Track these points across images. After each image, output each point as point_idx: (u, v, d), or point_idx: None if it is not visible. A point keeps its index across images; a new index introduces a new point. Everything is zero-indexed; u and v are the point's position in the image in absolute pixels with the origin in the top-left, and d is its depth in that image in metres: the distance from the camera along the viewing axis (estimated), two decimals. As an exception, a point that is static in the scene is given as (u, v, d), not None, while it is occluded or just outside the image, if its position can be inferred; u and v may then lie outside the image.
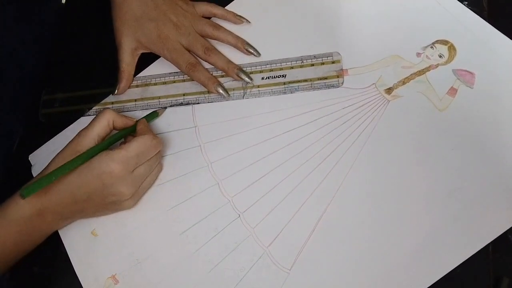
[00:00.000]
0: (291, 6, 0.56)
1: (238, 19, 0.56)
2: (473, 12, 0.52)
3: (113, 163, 0.45)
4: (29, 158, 0.55)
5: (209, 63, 0.54)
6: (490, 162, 0.46)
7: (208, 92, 0.54)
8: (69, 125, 0.56)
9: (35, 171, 0.54)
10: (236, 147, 0.51)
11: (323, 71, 0.52)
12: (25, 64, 0.60)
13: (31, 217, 0.46)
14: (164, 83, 0.56)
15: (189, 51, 0.54)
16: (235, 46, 0.55)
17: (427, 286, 0.43)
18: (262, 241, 0.47)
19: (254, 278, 0.46)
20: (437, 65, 0.50)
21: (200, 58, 0.55)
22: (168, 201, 0.50)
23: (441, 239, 0.44)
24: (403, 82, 0.50)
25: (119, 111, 0.54)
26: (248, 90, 0.53)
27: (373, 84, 0.51)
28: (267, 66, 0.54)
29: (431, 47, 0.51)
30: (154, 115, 0.53)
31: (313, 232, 0.47)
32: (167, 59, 0.55)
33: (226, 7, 0.57)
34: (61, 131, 0.56)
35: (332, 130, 0.50)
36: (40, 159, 0.54)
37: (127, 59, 0.55)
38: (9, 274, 0.50)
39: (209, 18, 0.56)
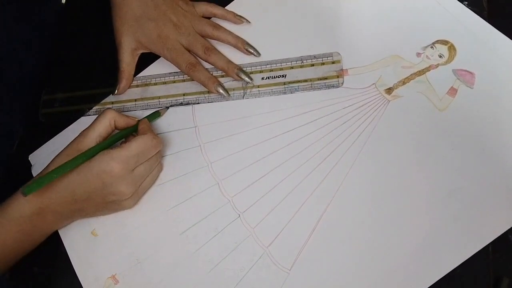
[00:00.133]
0: (291, 6, 0.56)
1: (238, 19, 0.56)
2: (473, 12, 0.52)
3: (113, 162, 0.45)
4: (29, 158, 0.55)
5: (209, 63, 0.54)
6: (490, 162, 0.46)
7: (208, 92, 0.54)
8: (69, 125, 0.56)
9: (35, 171, 0.54)
10: (236, 147, 0.51)
11: (323, 71, 0.52)
12: (25, 64, 0.60)
13: (31, 216, 0.46)
14: (164, 83, 0.56)
15: (189, 51, 0.54)
16: (235, 46, 0.55)
17: (427, 286, 0.43)
18: (262, 241, 0.47)
19: (254, 278, 0.46)
20: (437, 65, 0.50)
21: (200, 58, 0.55)
22: (168, 201, 0.50)
23: (441, 239, 0.44)
24: (403, 82, 0.50)
25: (119, 111, 0.54)
26: (248, 90, 0.53)
27: (373, 84, 0.51)
28: (267, 66, 0.54)
29: (431, 47, 0.51)
30: (156, 115, 0.53)
31: (313, 232, 0.47)
32: (167, 59, 0.55)
33: (226, 7, 0.57)
34: (61, 131, 0.56)
35: (332, 130, 0.50)
36: (40, 159, 0.54)
37: (127, 59, 0.55)
38: (9, 274, 0.50)
39: (209, 18, 0.56)
